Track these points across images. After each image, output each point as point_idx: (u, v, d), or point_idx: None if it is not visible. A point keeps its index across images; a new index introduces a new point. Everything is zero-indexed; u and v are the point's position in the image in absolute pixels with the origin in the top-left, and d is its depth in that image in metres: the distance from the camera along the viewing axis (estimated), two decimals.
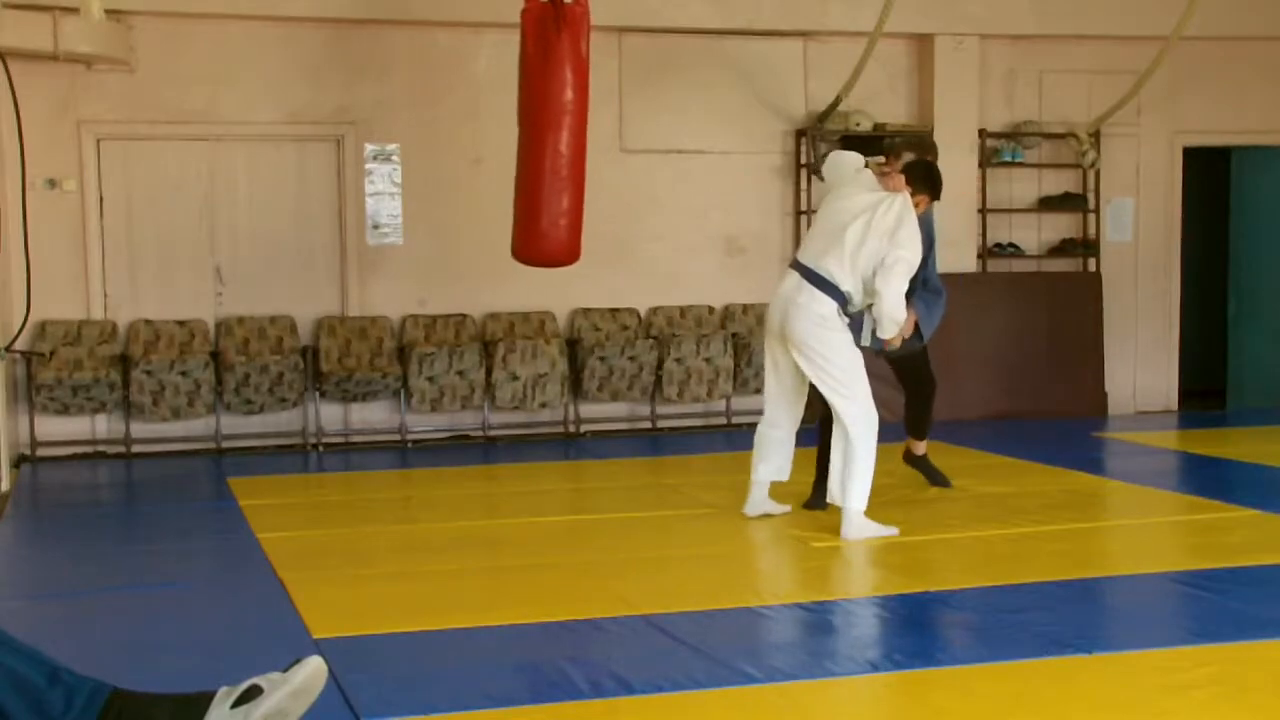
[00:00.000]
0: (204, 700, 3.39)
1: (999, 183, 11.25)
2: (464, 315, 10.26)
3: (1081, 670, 4.49)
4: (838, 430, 6.54)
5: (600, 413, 10.45)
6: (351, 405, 10.02)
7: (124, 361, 9.48)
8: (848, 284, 6.46)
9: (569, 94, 8.15)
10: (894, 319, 6.49)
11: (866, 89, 10.57)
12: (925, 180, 6.73)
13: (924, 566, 5.93)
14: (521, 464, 9.25)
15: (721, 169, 10.71)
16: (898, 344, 6.83)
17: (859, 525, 6.40)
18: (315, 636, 4.90)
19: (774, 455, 6.87)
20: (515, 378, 9.91)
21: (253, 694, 3.37)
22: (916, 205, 6.59)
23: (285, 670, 3.44)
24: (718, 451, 9.59)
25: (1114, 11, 11.00)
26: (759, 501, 6.95)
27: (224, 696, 3.39)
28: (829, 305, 6.46)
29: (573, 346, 10.25)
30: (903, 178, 6.68)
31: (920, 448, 7.75)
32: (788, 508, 6.96)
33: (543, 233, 8.29)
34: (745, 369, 10.35)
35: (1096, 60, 11.26)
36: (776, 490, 7.00)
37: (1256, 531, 6.65)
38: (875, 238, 6.43)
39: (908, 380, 7.60)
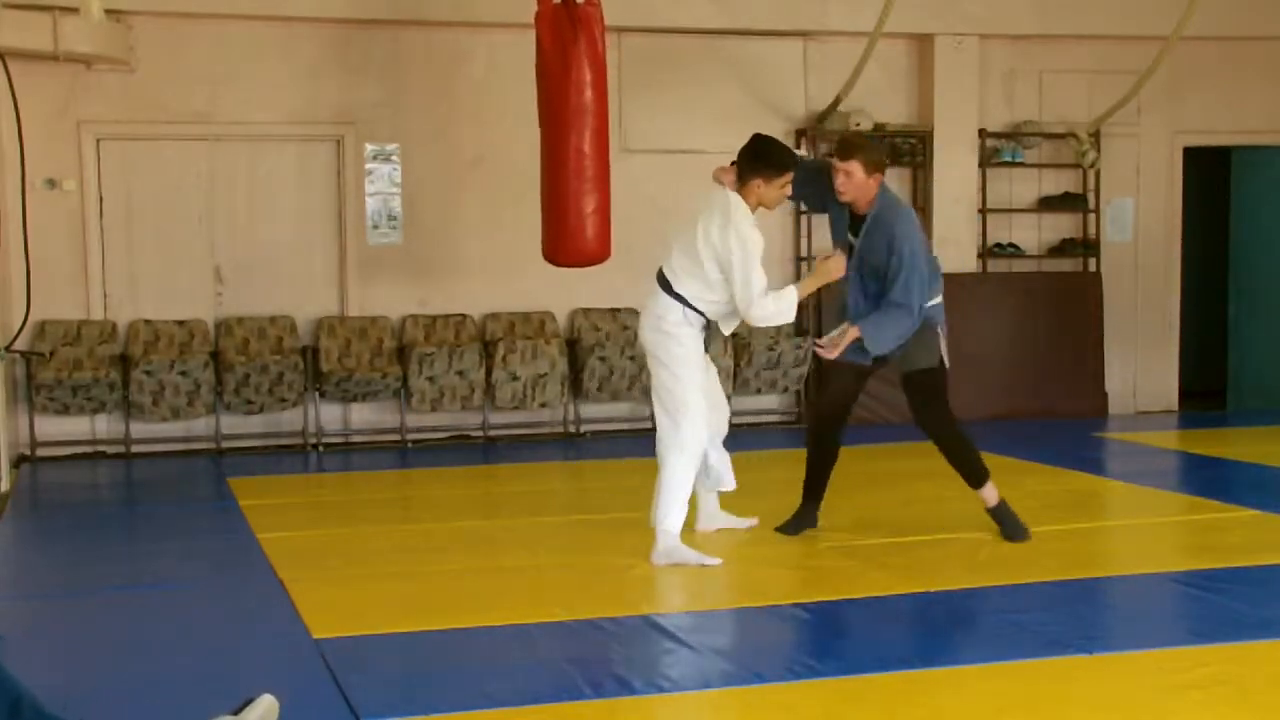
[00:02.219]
0: None
1: (999, 183, 11.25)
2: (464, 315, 10.26)
3: (1081, 670, 4.49)
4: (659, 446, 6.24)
5: (600, 413, 10.45)
6: (351, 405, 10.02)
7: (124, 361, 9.48)
8: (687, 289, 6.10)
9: (588, 95, 8.28)
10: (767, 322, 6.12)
11: (866, 89, 10.57)
12: (751, 160, 6.11)
13: (924, 566, 5.93)
14: (521, 464, 9.25)
15: None
16: (833, 353, 6.24)
17: (667, 549, 6.09)
18: (315, 636, 4.90)
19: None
20: (515, 378, 9.92)
21: None
22: (755, 189, 6.07)
23: (237, 713, 3.40)
24: None
25: (1114, 11, 11.01)
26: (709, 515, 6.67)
27: None
28: (671, 310, 6.13)
29: (573, 346, 10.25)
30: (731, 168, 6.18)
31: (988, 496, 6.47)
32: (754, 520, 6.73)
33: (572, 233, 8.38)
34: (744, 369, 10.35)
35: (1096, 60, 11.26)
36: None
37: (1256, 531, 6.65)
38: (702, 244, 6.07)
39: (913, 410, 6.53)
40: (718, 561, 6.06)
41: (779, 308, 6.04)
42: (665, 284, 6.18)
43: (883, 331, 6.19)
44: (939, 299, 6.41)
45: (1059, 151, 11.32)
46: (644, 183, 10.55)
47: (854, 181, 6.20)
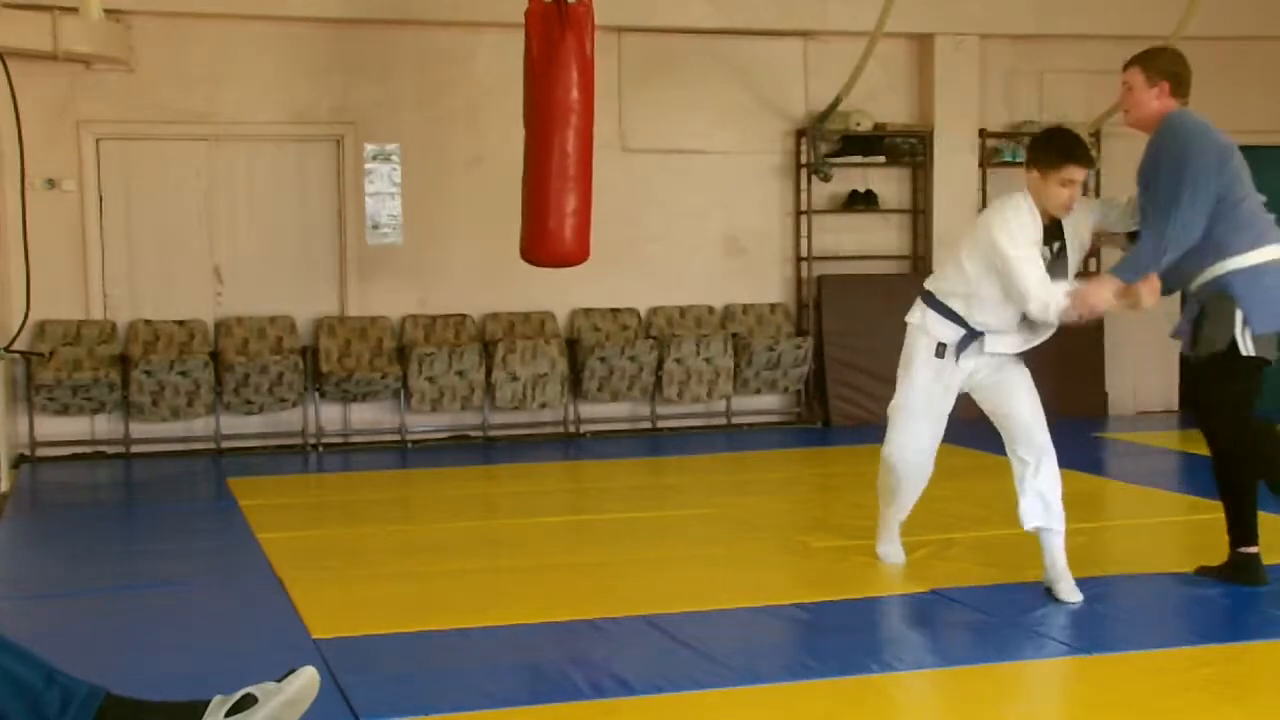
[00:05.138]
0: (198, 709, 3.40)
1: (1000, 183, 11.21)
2: (464, 315, 10.25)
3: (1081, 670, 4.48)
4: None
5: (600, 413, 10.45)
6: (351, 405, 10.02)
7: (123, 361, 9.48)
8: (936, 283, 5.58)
9: (574, 94, 8.20)
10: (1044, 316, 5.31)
11: (866, 89, 10.56)
12: (1029, 151, 5.40)
13: (925, 566, 5.92)
14: (521, 464, 9.25)
15: (721, 169, 10.71)
16: (1199, 348, 5.29)
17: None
18: (314, 637, 4.90)
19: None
20: (515, 378, 9.91)
21: (247, 703, 3.38)
22: (1033, 184, 5.24)
23: (280, 680, 3.44)
24: (718, 451, 9.59)
25: (1114, 11, 11.00)
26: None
27: (218, 705, 3.39)
28: (915, 306, 5.63)
29: (573, 346, 10.25)
30: None
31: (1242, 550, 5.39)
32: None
33: (550, 233, 8.34)
34: (745, 369, 10.34)
35: (1096, 60, 11.23)
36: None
37: None
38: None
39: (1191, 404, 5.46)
40: (896, 561, 5.94)
41: (1048, 303, 5.24)
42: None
43: (1133, 261, 5.18)
44: (1262, 255, 5.15)
45: None
46: (644, 183, 10.57)
47: (1134, 97, 5.30)
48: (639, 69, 10.48)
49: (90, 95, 9.56)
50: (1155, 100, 5.29)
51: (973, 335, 5.44)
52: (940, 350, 5.49)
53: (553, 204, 8.27)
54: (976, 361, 5.51)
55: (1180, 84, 5.29)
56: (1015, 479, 5.57)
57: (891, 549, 6.04)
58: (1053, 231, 5.31)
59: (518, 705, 4.16)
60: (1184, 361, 5.47)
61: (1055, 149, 5.24)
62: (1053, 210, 5.27)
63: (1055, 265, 5.34)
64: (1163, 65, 5.29)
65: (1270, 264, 5.17)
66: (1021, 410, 5.59)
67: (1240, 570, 5.41)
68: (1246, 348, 5.13)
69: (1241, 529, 5.40)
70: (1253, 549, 5.41)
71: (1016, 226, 5.22)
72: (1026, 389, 5.61)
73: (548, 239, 8.36)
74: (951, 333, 5.46)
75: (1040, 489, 5.51)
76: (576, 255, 8.48)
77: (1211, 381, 5.28)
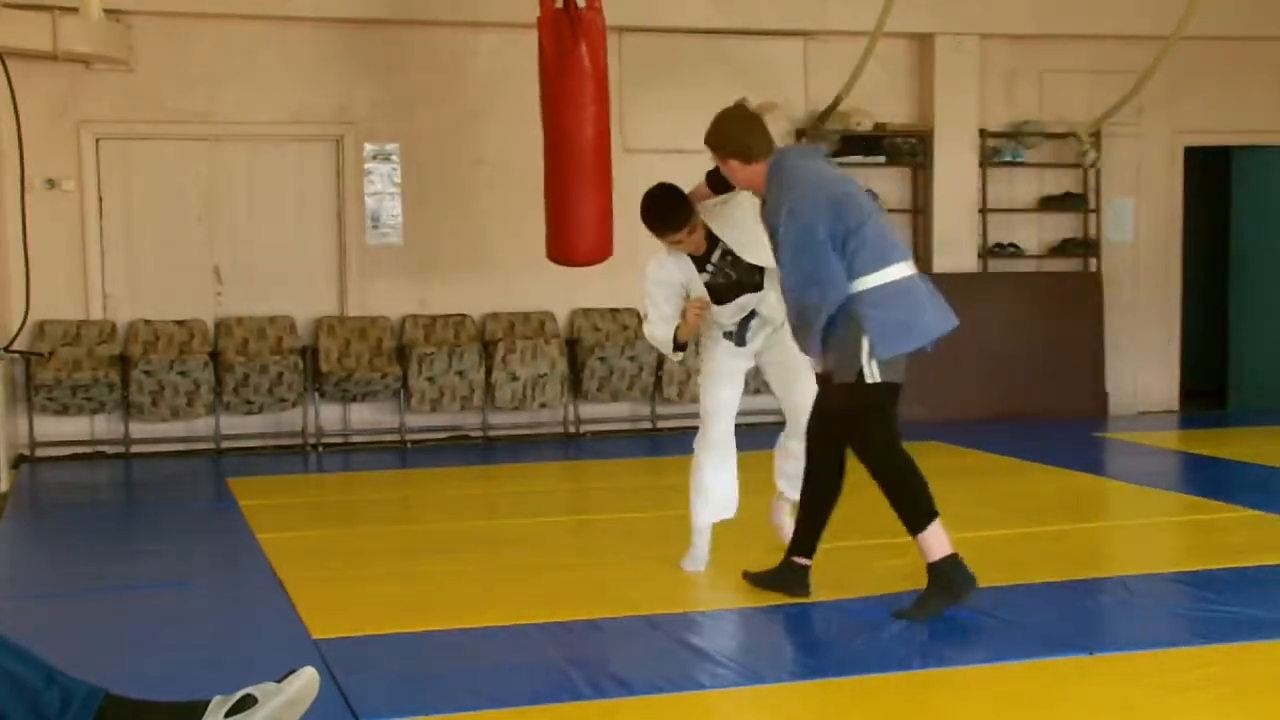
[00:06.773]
0: (198, 709, 3.40)
1: (999, 182, 11.25)
2: (464, 315, 10.25)
3: (1081, 670, 4.48)
4: None
5: (600, 413, 10.45)
6: (351, 405, 10.02)
7: (123, 361, 9.48)
8: None
9: (590, 98, 8.41)
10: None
11: (866, 89, 10.56)
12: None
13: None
14: (521, 464, 9.25)
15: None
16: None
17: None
18: (314, 637, 4.90)
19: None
20: (515, 378, 9.91)
21: (246, 704, 3.38)
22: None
23: (280, 681, 3.44)
24: None
25: (1114, 11, 11.01)
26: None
27: (218, 705, 3.39)
28: None
29: (573, 346, 10.25)
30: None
31: (929, 546, 5.18)
32: None
33: (575, 233, 8.53)
34: None
35: (1096, 60, 11.25)
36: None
37: (1256, 531, 6.65)
38: None
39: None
40: (697, 569, 5.95)
41: (654, 337, 6.07)
42: None
43: (796, 334, 5.18)
44: (884, 276, 4.98)
45: (1059, 151, 11.32)
46: (644, 183, 10.40)
47: (735, 178, 5.35)
48: (639, 69, 10.49)
49: (90, 95, 9.56)
50: (740, 172, 5.29)
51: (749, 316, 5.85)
52: (729, 335, 5.93)
53: (574, 206, 8.50)
54: (763, 340, 5.93)
55: (747, 151, 5.20)
56: (777, 455, 6.11)
57: (697, 558, 6.01)
58: (711, 246, 5.75)
59: (518, 705, 4.15)
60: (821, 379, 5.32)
61: (647, 222, 5.78)
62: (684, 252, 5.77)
63: (735, 269, 5.74)
64: (722, 148, 5.29)
65: (891, 285, 4.99)
66: (796, 397, 5.91)
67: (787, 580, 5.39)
68: (873, 375, 5.00)
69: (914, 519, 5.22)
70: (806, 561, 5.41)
71: (653, 286, 5.86)
72: (807, 376, 5.76)
73: (573, 239, 8.60)
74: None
75: (796, 472, 5.79)
76: (600, 253, 8.73)
77: (849, 408, 5.13)
